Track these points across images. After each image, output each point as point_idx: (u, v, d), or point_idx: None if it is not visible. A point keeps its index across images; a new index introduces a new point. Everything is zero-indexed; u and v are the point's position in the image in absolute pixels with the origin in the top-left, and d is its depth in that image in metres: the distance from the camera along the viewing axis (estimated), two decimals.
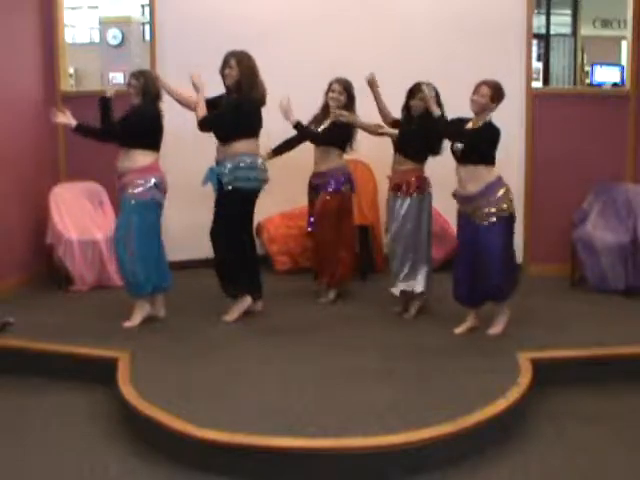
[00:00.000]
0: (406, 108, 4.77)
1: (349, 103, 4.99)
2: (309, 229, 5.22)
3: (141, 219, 4.55)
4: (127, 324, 4.62)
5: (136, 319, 4.65)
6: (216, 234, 4.68)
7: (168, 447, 3.32)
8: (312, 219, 5.16)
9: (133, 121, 4.52)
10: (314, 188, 5.12)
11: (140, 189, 4.52)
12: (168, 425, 3.31)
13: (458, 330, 4.49)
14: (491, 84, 4.29)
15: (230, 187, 4.57)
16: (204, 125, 4.55)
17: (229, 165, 4.55)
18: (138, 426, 3.51)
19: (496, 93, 4.29)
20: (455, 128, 4.36)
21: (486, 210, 4.29)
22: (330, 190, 5.04)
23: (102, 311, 4.97)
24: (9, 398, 4.01)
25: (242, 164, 4.56)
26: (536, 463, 3.28)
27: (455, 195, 4.43)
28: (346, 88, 4.98)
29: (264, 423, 3.29)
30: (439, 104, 4.63)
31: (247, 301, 4.80)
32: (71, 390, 4.01)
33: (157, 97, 4.59)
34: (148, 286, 4.65)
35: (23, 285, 5.55)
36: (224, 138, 4.59)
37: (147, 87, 4.54)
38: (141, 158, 4.53)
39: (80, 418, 3.74)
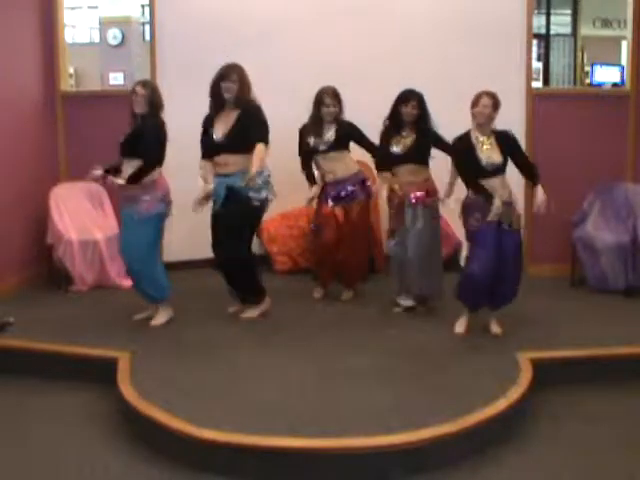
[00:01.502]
0: (395, 113, 4.75)
1: (340, 110, 5.01)
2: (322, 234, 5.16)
3: (151, 231, 4.55)
4: (153, 322, 4.65)
5: (162, 319, 4.67)
6: (231, 247, 4.63)
7: (168, 447, 3.32)
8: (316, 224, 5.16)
9: (158, 137, 4.52)
10: (335, 197, 5.04)
11: (149, 203, 4.51)
12: (168, 425, 3.31)
13: (459, 329, 4.49)
14: (490, 93, 4.31)
15: (256, 202, 4.59)
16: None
17: (255, 178, 4.51)
18: (138, 426, 3.51)
19: (496, 101, 4.31)
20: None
21: (514, 217, 4.35)
22: (360, 194, 5.05)
23: (102, 311, 4.97)
24: (9, 398, 4.01)
25: (263, 179, 4.59)
26: (536, 463, 3.28)
27: (483, 209, 4.32)
28: (337, 98, 4.97)
29: (264, 423, 3.29)
30: (427, 112, 4.70)
31: (268, 302, 4.86)
32: (71, 390, 4.01)
33: (161, 108, 4.57)
34: (169, 288, 4.69)
35: (23, 285, 5.55)
36: (246, 148, 4.57)
37: (153, 97, 4.52)
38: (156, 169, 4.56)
39: (80, 418, 3.74)
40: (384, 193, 4.87)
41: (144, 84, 4.59)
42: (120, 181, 4.49)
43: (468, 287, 4.43)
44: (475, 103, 4.32)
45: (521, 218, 4.45)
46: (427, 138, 4.74)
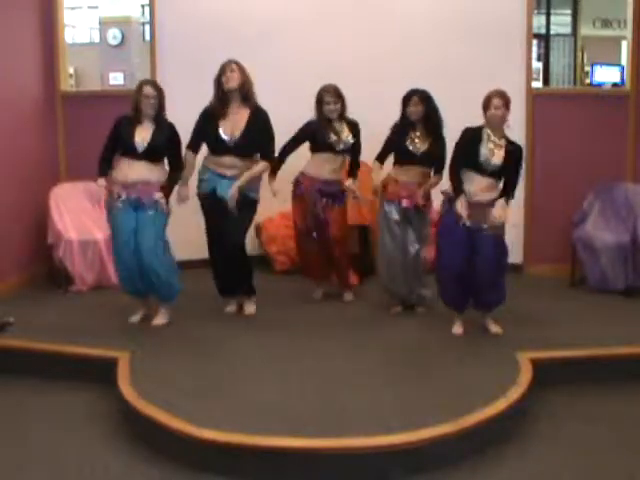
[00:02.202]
0: (403, 115, 4.75)
1: (343, 108, 4.96)
2: (314, 235, 5.12)
3: (166, 226, 4.59)
4: (155, 322, 4.65)
5: (164, 319, 4.68)
6: (240, 242, 4.72)
7: (168, 447, 3.32)
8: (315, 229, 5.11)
9: (178, 135, 4.59)
10: (327, 195, 5.01)
11: (166, 200, 4.55)
12: (168, 425, 3.31)
13: (456, 330, 4.49)
14: (500, 93, 4.26)
15: (255, 199, 4.74)
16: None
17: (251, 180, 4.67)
18: (138, 426, 3.51)
19: (507, 100, 4.27)
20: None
21: (495, 220, 4.27)
22: (345, 198, 5.09)
23: (102, 311, 4.97)
24: (9, 398, 4.01)
25: (261, 178, 4.76)
26: (536, 463, 3.28)
27: (452, 199, 4.34)
28: (338, 96, 4.92)
29: (264, 423, 3.29)
30: (435, 109, 4.68)
31: None
32: (71, 390, 4.01)
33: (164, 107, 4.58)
34: (179, 287, 4.72)
35: (23, 285, 5.55)
36: (252, 155, 4.69)
37: (162, 98, 4.52)
38: (164, 170, 4.58)
39: (80, 418, 3.74)
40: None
41: (154, 85, 4.57)
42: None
43: (441, 285, 4.49)
44: (487, 106, 4.26)
45: (503, 224, 4.34)
46: (438, 148, 4.75)
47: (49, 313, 4.96)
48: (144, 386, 3.70)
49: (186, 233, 5.43)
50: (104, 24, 8.99)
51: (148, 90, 4.48)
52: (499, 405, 3.47)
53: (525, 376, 3.79)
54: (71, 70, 7.45)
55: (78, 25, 9.31)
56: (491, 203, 4.30)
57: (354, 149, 5.05)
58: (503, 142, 4.32)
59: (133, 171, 4.48)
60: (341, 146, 4.96)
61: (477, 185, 4.30)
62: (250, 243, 5.03)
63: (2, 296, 5.19)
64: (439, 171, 4.80)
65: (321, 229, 5.06)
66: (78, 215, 5.76)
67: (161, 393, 3.62)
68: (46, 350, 4.28)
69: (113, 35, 8.92)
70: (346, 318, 4.86)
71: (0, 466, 3.27)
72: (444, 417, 3.31)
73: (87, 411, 3.80)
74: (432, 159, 4.78)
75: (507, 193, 4.36)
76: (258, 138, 4.63)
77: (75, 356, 4.20)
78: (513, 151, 4.34)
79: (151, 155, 4.48)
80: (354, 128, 5.01)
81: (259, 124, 4.63)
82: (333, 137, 4.94)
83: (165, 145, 4.51)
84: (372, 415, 3.38)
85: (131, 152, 4.47)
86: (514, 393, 3.60)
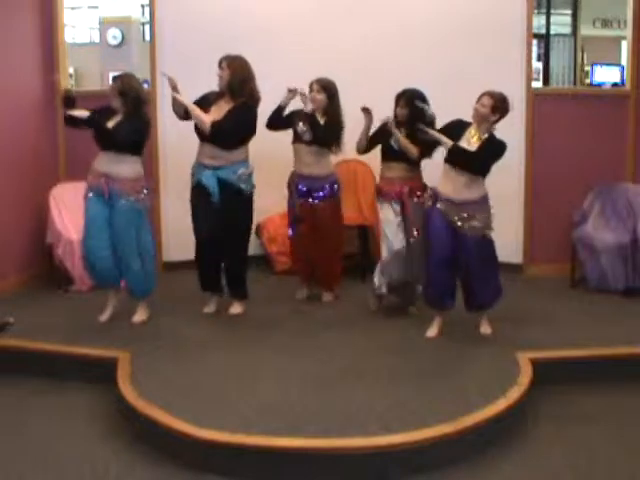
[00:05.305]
0: (395, 116, 4.74)
1: (330, 102, 4.90)
2: (290, 234, 5.18)
3: (143, 222, 4.61)
4: (136, 319, 4.69)
5: (145, 314, 4.72)
6: (229, 239, 4.71)
7: (168, 447, 3.32)
8: (294, 224, 5.10)
9: (138, 130, 4.52)
10: (304, 192, 5.00)
11: (142, 196, 4.56)
12: (168, 425, 3.31)
13: (430, 333, 4.46)
14: (495, 95, 4.25)
15: (248, 192, 4.68)
16: (219, 133, 4.51)
17: (245, 170, 4.63)
18: (138, 426, 3.51)
19: (498, 104, 4.23)
20: (462, 157, 4.24)
21: (476, 223, 4.25)
22: (330, 196, 5.01)
23: (102, 311, 4.96)
24: (9, 398, 4.01)
25: (250, 170, 4.68)
26: (536, 463, 3.28)
27: (437, 195, 4.33)
28: (325, 87, 4.88)
29: (264, 423, 3.29)
30: (417, 110, 4.59)
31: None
32: (71, 390, 4.01)
33: (139, 101, 4.53)
34: (155, 281, 4.75)
35: (23, 285, 5.55)
36: (233, 145, 4.60)
37: (123, 89, 4.49)
38: (137, 165, 4.57)
39: (80, 418, 3.74)
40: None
41: (115, 78, 4.64)
42: (84, 114, 4.47)
43: (427, 278, 4.46)
44: (477, 100, 4.30)
45: (486, 225, 4.31)
46: (418, 137, 4.60)
47: (49, 313, 4.96)
48: (144, 386, 3.70)
49: (181, 234, 5.45)
50: (104, 24, 9.00)
51: (110, 86, 4.56)
52: (499, 405, 3.47)
53: (525, 376, 3.79)
54: (71, 70, 7.45)
55: (78, 25, 9.32)
56: (471, 203, 4.26)
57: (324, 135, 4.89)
58: (485, 139, 4.28)
59: (103, 161, 4.52)
60: (307, 136, 4.87)
61: (455, 183, 4.25)
62: (251, 243, 5.01)
63: (2, 296, 5.19)
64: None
65: (302, 223, 5.04)
66: (78, 215, 5.71)
67: (161, 393, 3.62)
68: (46, 350, 4.28)
69: (113, 35, 8.92)
70: (346, 318, 4.86)
71: (0, 466, 3.27)
72: (444, 417, 3.31)
73: (87, 411, 3.81)
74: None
75: (449, 145, 4.24)
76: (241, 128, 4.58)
77: (75, 356, 4.20)
78: (490, 145, 4.25)
79: (115, 145, 4.47)
80: (332, 126, 4.88)
81: (235, 114, 4.55)
82: (300, 126, 4.85)
83: (127, 136, 4.46)
84: (372, 415, 3.38)
85: (100, 140, 4.50)
86: (514, 393, 3.60)
